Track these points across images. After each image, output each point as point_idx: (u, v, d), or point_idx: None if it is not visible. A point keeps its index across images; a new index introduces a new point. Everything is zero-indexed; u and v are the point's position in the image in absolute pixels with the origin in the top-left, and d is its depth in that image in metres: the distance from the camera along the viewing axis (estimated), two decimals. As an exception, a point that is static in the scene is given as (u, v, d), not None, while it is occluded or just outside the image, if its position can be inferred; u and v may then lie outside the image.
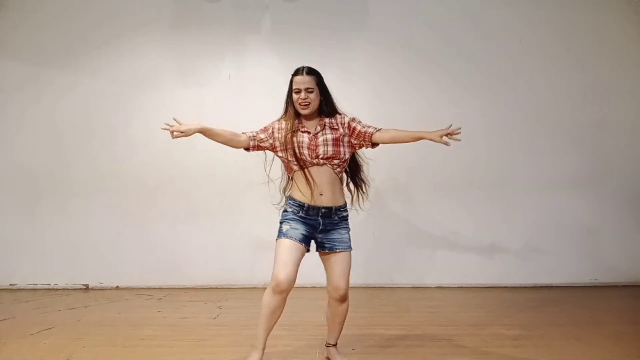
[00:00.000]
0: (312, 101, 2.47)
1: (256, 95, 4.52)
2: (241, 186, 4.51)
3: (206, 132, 2.41)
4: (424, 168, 4.49)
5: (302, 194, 2.44)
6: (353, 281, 4.35)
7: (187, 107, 4.54)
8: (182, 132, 2.37)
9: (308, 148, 2.43)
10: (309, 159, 2.43)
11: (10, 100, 4.60)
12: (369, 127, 2.50)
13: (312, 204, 2.43)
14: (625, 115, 4.48)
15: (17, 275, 4.58)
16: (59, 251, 4.57)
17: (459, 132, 2.38)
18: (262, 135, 2.50)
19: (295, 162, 2.44)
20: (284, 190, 2.61)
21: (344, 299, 2.47)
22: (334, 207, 2.46)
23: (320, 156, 2.43)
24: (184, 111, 4.49)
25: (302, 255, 2.43)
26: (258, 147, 2.52)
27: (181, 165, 4.56)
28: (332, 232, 2.46)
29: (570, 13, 4.50)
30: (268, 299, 2.37)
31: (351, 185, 2.69)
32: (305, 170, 2.43)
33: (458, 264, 4.45)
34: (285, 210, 2.50)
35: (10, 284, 4.58)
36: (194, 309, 3.80)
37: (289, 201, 2.50)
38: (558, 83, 4.49)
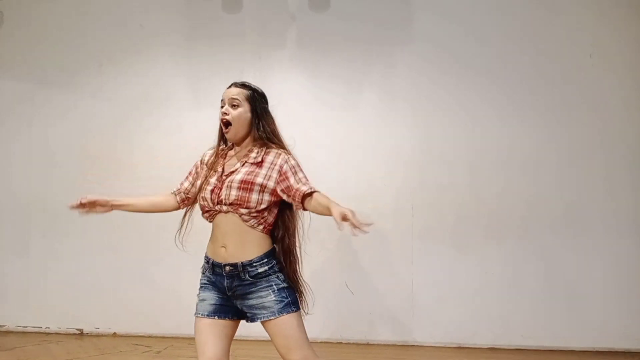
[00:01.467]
0: (234, 119, 1.92)
1: (281, 119, 3.95)
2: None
3: (120, 206, 2.08)
4: (475, 205, 3.77)
5: (209, 246, 1.96)
6: (389, 337, 3.74)
7: (199, 133, 4.01)
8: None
9: (212, 191, 1.89)
10: (210, 204, 1.89)
11: (2, 122, 4.22)
12: (304, 183, 1.86)
13: (216, 260, 1.90)
14: None
15: (7, 317, 4.11)
16: (53, 291, 4.09)
17: (365, 227, 1.63)
18: (186, 184, 2.06)
19: (200, 203, 1.95)
20: None
21: None
22: (240, 264, 1.84)
23: (223, 201, 1.85)
24: (195, 136, 4.01)
25: (226, 331, 1.89)
26: (187, 200, 2.06)
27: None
28: (248, 296, 1.85)
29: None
30: None
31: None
32: (208, 215, 1.94)
33: (516, 322, 3.68)
34: (202, 271, 2.03)
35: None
36: (195, 369, 3.18)
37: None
38: (626, 105, 3.73)
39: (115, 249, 4.05)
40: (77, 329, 4.04)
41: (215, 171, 1.93)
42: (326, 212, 1.74)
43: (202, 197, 1.92)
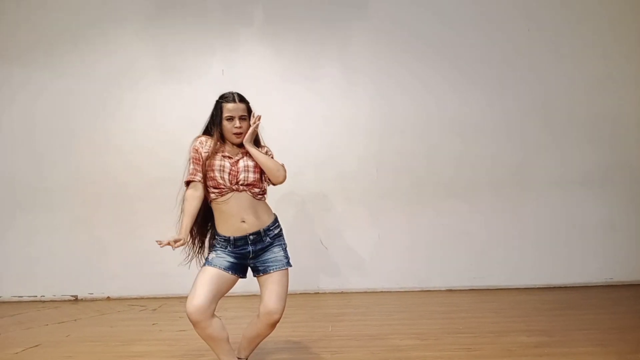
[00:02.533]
0: (244, 131, 2.33)
1: (248, 92, 4.26)
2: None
3: (190, 226, 2.29)
4: (430, 169, 4.27)
5: (225, 227, 2.28)
6: (360, 286, 4.22)
7: (171, 106, 4.30)
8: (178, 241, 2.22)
9: (229, 173, 2.27)
10: (228, 184, 2.26)
11: None
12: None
13: (238, 235, 2.27)
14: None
15: (1, 288, 4.32)
16: (45, 262, 4.32)
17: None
18: (200, 173, 2.30)
19: (215, 189, 2.27)
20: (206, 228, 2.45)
21: (275, 324, 2.27)
22: (261, 231, 2.30)
23: (240, 182, 2.27)
24: (167, 110, 4.29)
25: (229, 284, 2.27)
26: (203, 179, 2.32)
27: (167, 167, 4.27)
28: (266, 254, 2.31)
29: None
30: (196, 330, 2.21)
31: None
32: (223, 197, 2.26)
33: (468, 266, 4.24)
34: (212, 245, 2.36)
35: (-5, 297, 4.32)
36: (191, 321, 3.55)
37: (217, 236, 2.33)
38: (569, 73, 4.27)
39: (101, 218, 4.32)
40: (71, 296, 4.32)
41: (223, 158, 2.28)
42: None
43: (219, 177, 2.24)
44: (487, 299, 3.95)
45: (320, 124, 4.28)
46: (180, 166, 4.31)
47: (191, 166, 2.32)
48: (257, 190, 2.31)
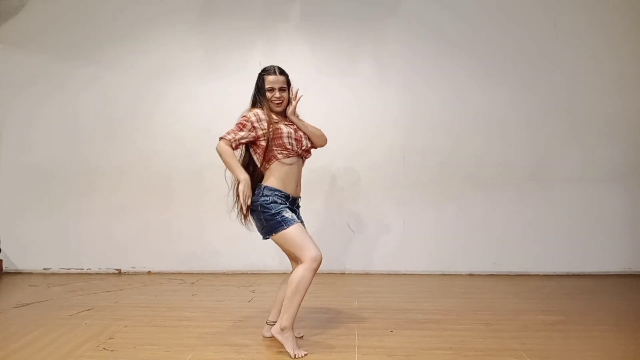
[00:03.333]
0: (284, 100, 2.60)
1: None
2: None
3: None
4: (455, 160, 4.45)
5: (284, 184, 2.55)
6: (385, 268, 4.44)
7: (213, 99, 4.57)
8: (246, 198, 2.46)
9: (295, 139, 2.57)
10: (295, 149, 2.57)
11: (34, 94, 4.65)
12: None
13: (293, 195, 2.60)
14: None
15: (50, 261, 4.67)
16: (91, 238, 4.64)
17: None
18: (241, 134, 2.52)
19: (283, 151, 2.54)
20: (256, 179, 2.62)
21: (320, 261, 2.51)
22: (299, 199, 2.68)
23: (304, 147, 2.62)
24: (209, 102, 4.56)
25: None
26: (238, 145, 2.55)
27: (208, 156, 4.55)
28: (299, 215, 2.69)
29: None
30: (310, 279, 2.46)
31: None
32: (289, 159, 2.56)
33: (489, 253, 4.42)
34: (274, 202, 2.49)
35: (44, 269, 4.66)
36: (227, 293, 3.83)
37: (273, 191, 2.51)
38: (592, 73, 4.40)
39: (144, 201, 4.61)
40: (115, 269, 4.64)
41: (287, 125, 2.58)
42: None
43: (287, 143, 2.53)
44: (507, 283, 4.13)
45: (353, 117, 4.50)
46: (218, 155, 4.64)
47: (235, 128, 2.54)
48: (309, 155, 2.69)
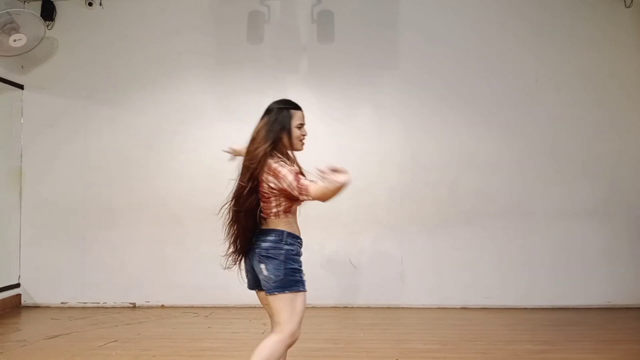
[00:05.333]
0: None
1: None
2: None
3: None
4: (451, 200, 4.84)
5: (298, 228, 2.32)
6: (385, 302, 4.76)
7: (228, 141, 4.92)
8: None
9: None
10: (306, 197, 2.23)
11: (59, 133, 5.04)
12: None
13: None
14: (637, 148, 4.83)
15: (68, 295, 4.93)
16: (107, 273, 4.92)
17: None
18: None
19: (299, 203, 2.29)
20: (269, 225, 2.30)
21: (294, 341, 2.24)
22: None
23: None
24: (224, 144, 4.93)
25: None
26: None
27: (224, 194, 4.91)
28: None
29: (583, 54, 4.87)
30: (280, 353, 2.20)
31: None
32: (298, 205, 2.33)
33: (481, 287, 4.78)
34: (298, 253, 2.26)
35: (62, 302, 4.92)
36: (241, 325, 4.13)
37: (296, 240, 2.27)
38: (573, 118, 4.85)
39: (159, 238, 4.93)
40: (130, 303, 4.91)
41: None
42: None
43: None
44: (497, 315, 4.47)
45: (356, 158, 4.90)
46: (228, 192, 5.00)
47: (295, 178, 2.14)
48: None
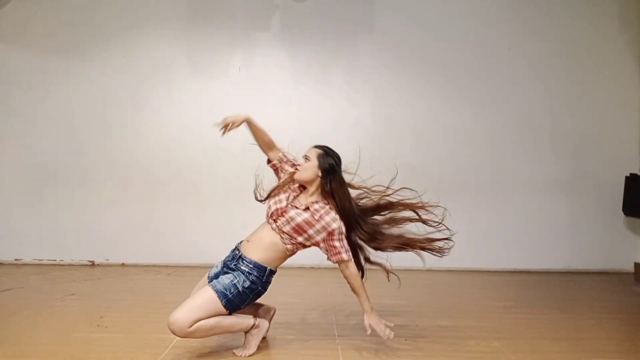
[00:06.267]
0: (303, 170, 2.46)
1: (265, 90, 4.79)
2: (248, 175, 4.74)
3: (251, 123, 2.51)
4: (421, 169, 4.78)
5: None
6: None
7: (196, 99, 4.78)
8: (232, 123, 2.44)
9: (277, 209, 2.41)
10: (268, 212, 2.44)
11: (21, 91, 4.75)
12: (346, 250, 2.41)
13: (239, 245, 2.47)
14: (604, 125, 4.90)
15: (22, 251, 4.71)
16: (65, 231, 4.72)
17: (389, 337, 2.34)
18: (286, 167, 2.56)
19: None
20: None
21: (171, 327, 2.17)
22: (240, 252, 2.39)
23: (277, 224, 2.38)
24: (194, 102, 4.78)
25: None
26: (276, 169, 2.60)
27: (189, 154, 4.76)
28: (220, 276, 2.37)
29: (557, 28, 4.88)
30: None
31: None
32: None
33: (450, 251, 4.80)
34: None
35: (15, 259, 4.70)
36: (205, 282, 4.02)
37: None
38: (545, 91, 4.89)
39: (123, 197, 4.75)
40: (88, 261, 4.73)
41: (290, 192, 2.48)
42: (357, 295, 2.42)
43: (272, 201, 2.44)
44: (463, 277, 4.51)
45: (327, 125, 4.80)
46: (198, 153, 4.86)
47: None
48: (285, 238, 2.41)
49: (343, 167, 2.58)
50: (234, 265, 2.36)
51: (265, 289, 2.39)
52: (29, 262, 4.70)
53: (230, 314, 2.28)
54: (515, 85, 4.90)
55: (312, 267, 4.76)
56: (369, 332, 2.31)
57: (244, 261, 2.34)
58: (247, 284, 2.29)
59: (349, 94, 4.86)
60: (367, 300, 2.37)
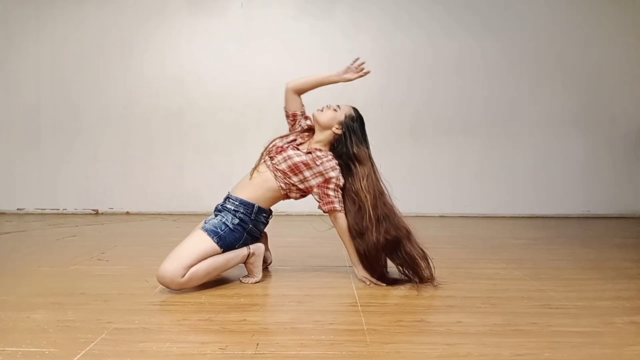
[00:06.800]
0: (324, 115, 2.28)
1: (268, 27, 4.58)
2: (250, 118, 4.59)
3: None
4: (431, 107, 4.63)
5: None
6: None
7: (196, 37, 4.57)
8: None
9: (275, 149, 2.31)
10: (266, 156, 2.30)
11: (15, 35, 4.55)
12: (340, 200, 2.22)
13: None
14: (625, 61, 4.66)
15: (25, 201, 4.61)
16: (67, 179, 4.61)
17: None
18: (303, 122, 2.43)
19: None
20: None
21: (162, 280, 2.00)
22: (228, 194, 2.29)
23: (274, 162, 2.26)
24: (192, 42, 4.57)
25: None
26: (294, 118, 2.43)
27: (191, 97, 4.59)
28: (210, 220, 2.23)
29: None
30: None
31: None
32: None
33: (461, 197, 4.65)
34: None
35: (18, 209, 4.60)
36: (211, 226, 3.90)
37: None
38: (561, 24, 4.65)
39: (125, 143, 4.61)
40: (92, 209, 4.63)
41: (295, 136, 2.35)
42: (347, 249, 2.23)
43: (273, 142, 2.33)
44: (476, 222, 4.36)
45: (329, 60, 4.59)
46: (199, 97, 4.68)
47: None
48: (279, 175, 2.27)
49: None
50: (221, 206, 2.26)
51: (259, 229, 2.25)
52: (32, 211, 4.61)
53: (224, 252, 2.13)
54: (530, 17, 4.66)
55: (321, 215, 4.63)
56: (368, 283, 2.19)
57: (230, 199, 2.24)
58: (236, 221, 2.17)
59: (350, 28, 4.64)
60: (355, 254, 2.21)
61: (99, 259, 2.67)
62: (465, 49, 4.63)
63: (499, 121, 4.67)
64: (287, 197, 2.31)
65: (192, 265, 2.01)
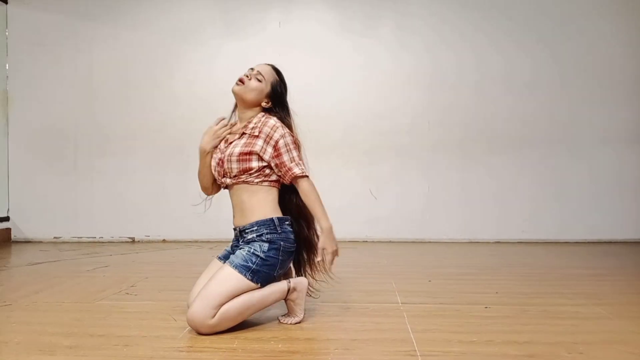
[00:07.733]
0: (250, 89, 2.07)
1: (304, 48, 4.40)
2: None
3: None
4: (481, 124, 4.33)
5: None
6: (408, 236, 4.29)
7: (229, 59, 4.44)
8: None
9: (217, 164, 2.03)
10: (217, 176, 2.05)
11: (49, 54, 4.54)
12: (297, 164, 1.94)
13: (233, 225, 2.05)
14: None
15: (61, 230, 4.52)
16: (103, 206, 4.50)
17: (330, 270, 1.97)
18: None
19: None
20: None
21: (191, 324, 1.76)
22: (238, 229, 1.99)
23: (227, 174, 1.99)
24: (226, 62, 4.44)
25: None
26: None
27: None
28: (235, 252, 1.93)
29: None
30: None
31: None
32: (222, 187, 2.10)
33: (515, 220, 4.28)
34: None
35: (55, 237, 4.52)
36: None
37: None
38: (613, 34, 4.30)
39: (158, 166, 4.48)
40: (129, 237, 4.50)
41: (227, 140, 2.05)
42: (312, 212, 1.94)
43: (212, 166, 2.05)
44: (536, 248, 3.97)
45: (373, 80, 4.38)
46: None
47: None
48: (245, 177, 1.97)
49: None
50: (241, 242, 1.95)
51: (291, 243, 1.94)
52: (68, 240, 4.52)
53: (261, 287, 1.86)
54: (580, 27, 4.33)
55: (365, 241, 4.35)
56: (319, 258, 1.90)
57: (246, 230, 1.93)
58: (266, 246, 1.87)
59: (395, 46, 4.41)
60: (324, 217, 1.90)
61: (127, 293, 2.48)
62: (515, 62, 4.34)
63: (555, 139, 4.31)
64: (278, 183, 2.00)
65: (221, 305, 1.76)
